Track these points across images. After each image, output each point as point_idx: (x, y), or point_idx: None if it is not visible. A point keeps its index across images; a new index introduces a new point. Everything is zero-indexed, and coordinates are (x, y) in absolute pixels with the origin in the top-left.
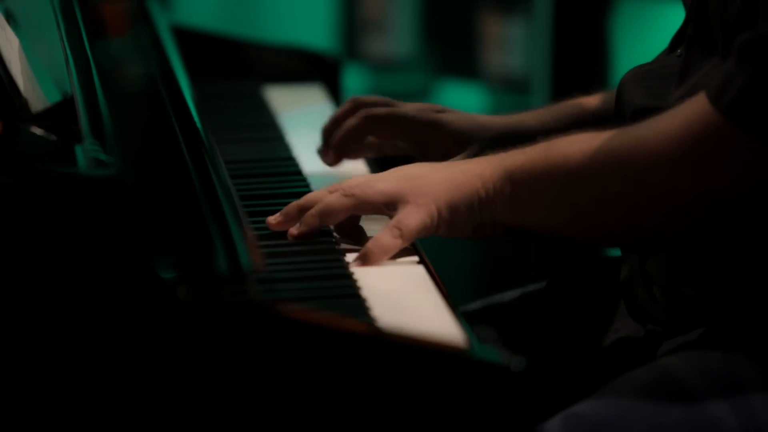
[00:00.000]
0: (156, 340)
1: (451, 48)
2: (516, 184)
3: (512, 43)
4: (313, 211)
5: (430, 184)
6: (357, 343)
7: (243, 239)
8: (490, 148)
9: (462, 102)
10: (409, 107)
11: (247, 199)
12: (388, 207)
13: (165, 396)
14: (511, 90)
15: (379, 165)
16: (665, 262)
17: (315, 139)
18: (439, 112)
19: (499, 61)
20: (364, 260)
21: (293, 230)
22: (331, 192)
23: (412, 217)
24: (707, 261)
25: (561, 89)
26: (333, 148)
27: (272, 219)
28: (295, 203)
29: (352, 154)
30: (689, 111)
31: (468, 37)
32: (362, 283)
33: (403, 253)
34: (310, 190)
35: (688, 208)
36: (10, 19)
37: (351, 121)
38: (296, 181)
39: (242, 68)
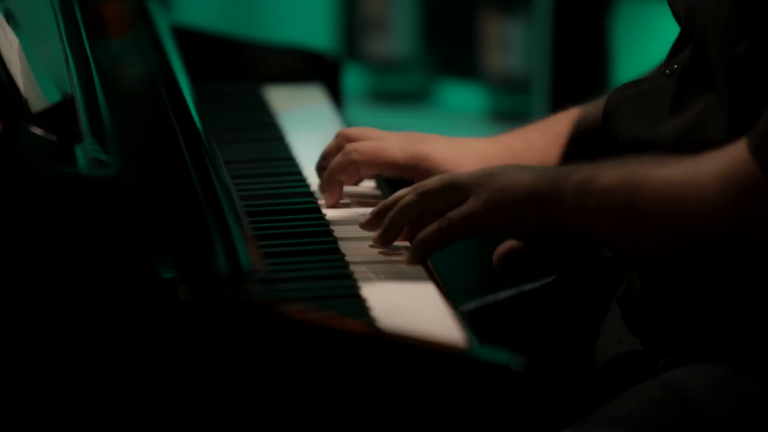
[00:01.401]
0: (156, 340)
1: (451, 48)
2: (585, 192)
3: (512, 43)
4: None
5: (499, 184)
6: (357, 343)
7: (243, 239)
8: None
9: (462, 102)
10: (393, 140)
11: (247, 199)
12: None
13: (165, 396)
14: (511, 90)
15: (388, 184)
16: (663, 287)
17: (315, 139)
18: (423, 141)
19: (499, 61)
20: (416, 254)
21: (377, 237)
22: (410, 192)
23: (467, 208)
24: (707, 293)
25: (561, 89)
26: (325, 190)
27: (363, 222)
28: (379, 205)
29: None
30: (729, 157)
31: (468, 37)
32: (362, 283)
33: (404, 252)
34: (309, 190)
35: (729, 248)
36: (10, 19)
37: (336, 161)
38: (296, 181)
39: (242, 68)
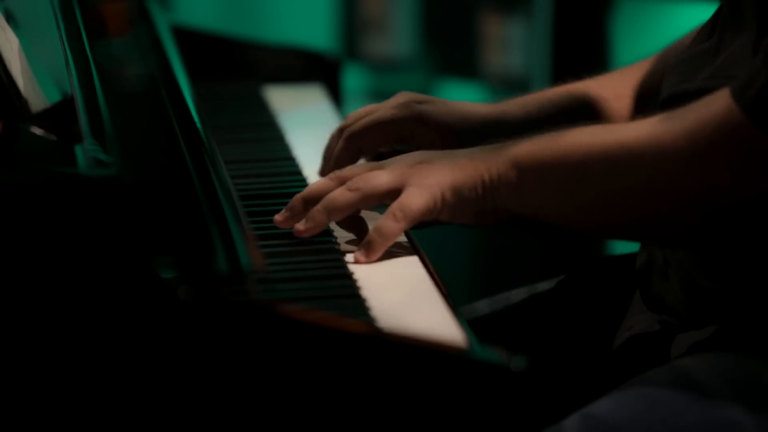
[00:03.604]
0: (156, 340)
1: (451, 48)
2: (522, 171)
3: (512, 43)
4: (318, 207)
5: (434, 168)
6: (357, 343)
7: (243, 239)
8: (472, 138)
9: None
10: (389, 105)
11: (247, 199)
12: (392, 196)
13: (165, 396)
14: (511, 90)
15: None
16: (685, 252)
17: (315, 139)
18: (420, 102)
19: (499, 61)
20: (368, 249)
21: (300, 226)
22: (332, 181)
23: (414, 200)
24: (728, 255)
25: None
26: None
27: (279, 216)
28: (299, 196)
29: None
30: (705, 109)
31: (468, 37)
32: (362, 283)
33: (403, 252)
34: None
35: (693, 206)
36: (10, 19)
37: (338, 146)
38: (296, 181)
39: (242, 68)
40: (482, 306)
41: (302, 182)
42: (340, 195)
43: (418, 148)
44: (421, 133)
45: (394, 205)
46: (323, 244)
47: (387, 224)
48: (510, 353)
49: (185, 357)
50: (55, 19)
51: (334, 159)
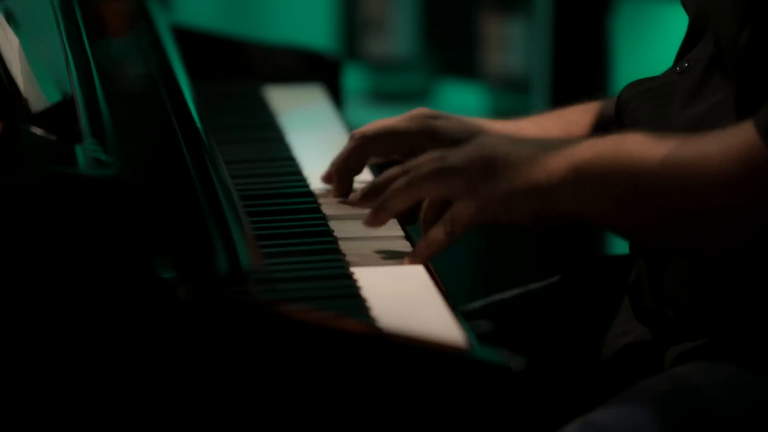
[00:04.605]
0: (156, 340)
1: (451, 48)
2: (581, 176)
3: (512, 43)
4: (400, 183)
5: (490, 174)
6: (357, 344)
7: (243, 239)
8: None
9: (462, 102)
10: (403, 117)
11: (247, 199)
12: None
13: (165, 396)
14: (511, 90)
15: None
16: (674, 272)
17: (315, 139)
18: (433, 118)
19: (499, 61)
20: (418, 256)
21: (367, 220)
22: (401, 170)
23: (466, 212)
24: (716, 275)
25: (561, 89)
26: (335, 177)
27: (353, 196)
28: (369, 184)
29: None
30: (748, 133)
31: (468, 37)
32: (362, 283)
33: (403, 252)
34: (309, 190)
35: (741, 228)
36: (10, 19)
37: (346, 146)
38: (296, 181)
39: (242, 68)
40: (476, 306)
41: (302, 182)
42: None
43: None
44: (433, 148)
45: (447, 216)
46: (323, 244)
47: (438, 235)
48: (510, 353)
49: (185, 357)
50: (55, 19)
51: (342, 155)
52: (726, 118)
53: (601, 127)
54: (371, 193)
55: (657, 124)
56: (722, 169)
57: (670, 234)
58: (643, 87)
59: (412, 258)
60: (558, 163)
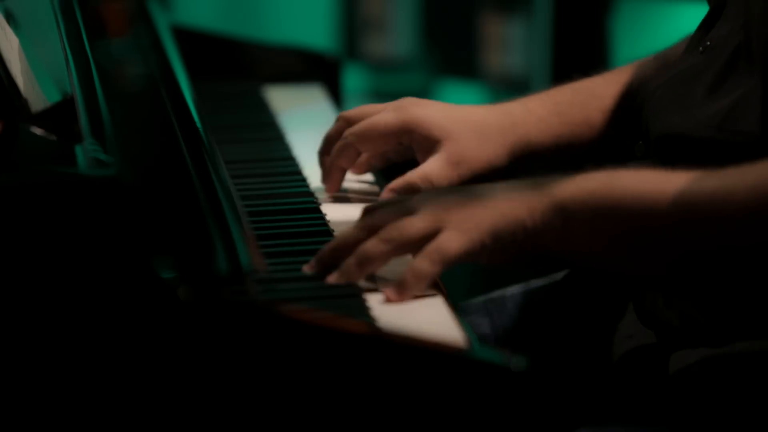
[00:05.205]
0: (156, 340)
1: (451, 48)
2: (570, 218)
3: (512, 43)
4: (352, 261)
5: (471, 211)
6: (357, 344)
7: (243, 239)
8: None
9: (462, 102)
10: (388, 110)
11: (247, 199)
12: (429, 239)
13: (165, 396)
14: (511, 90)
15: (384, 176)
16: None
17: (315, 139)
18: (417, 106)
19: (499, 61)
20: (401, 289)
21: (332, 278)
22: (362, 231)
23: (453, 243)
24: (721, 291)
25: None
26: (327, 175)
27: (307, 267)
28: (328, 247)
29: (355, 170)
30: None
31: (468, 37)
32: (362, 283)
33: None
34: (309, 190)
35: (763, 265)
36: (10, 19)
37: (335, 147)
38: (296, 181)
39: (242, 68)
40: (476, 301)
41: (302, 182)
42: (373, 247)
43: (416, 154)
44: (418, 139)
45: (432, 247)
46: (323, 244)
47: (423, 266)
48: (510, 353)
49: (186, 357)
50: (55, 19)
51: (331, 158)
52: (747, 119)
53: (586, 107)
54: (332, 258)
55: (680, 120)
56: (748, 207)
57: (679, 270)
58: (666, 76)
59: (399, 291)
60: (540, 201)
